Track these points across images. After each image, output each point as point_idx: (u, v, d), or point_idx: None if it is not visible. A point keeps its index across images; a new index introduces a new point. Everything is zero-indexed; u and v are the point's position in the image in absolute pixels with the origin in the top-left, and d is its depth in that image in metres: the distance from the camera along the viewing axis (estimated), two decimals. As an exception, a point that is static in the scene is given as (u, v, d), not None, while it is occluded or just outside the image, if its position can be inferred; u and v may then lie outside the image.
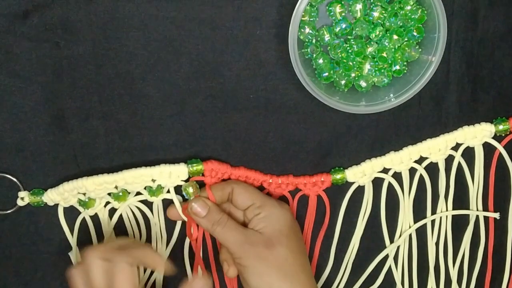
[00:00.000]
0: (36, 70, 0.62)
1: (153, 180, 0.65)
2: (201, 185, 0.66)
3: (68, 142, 0.65)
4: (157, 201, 0.67)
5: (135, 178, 0.64)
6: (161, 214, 0.68)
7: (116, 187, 0.65)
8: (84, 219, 0.67)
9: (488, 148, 0.70)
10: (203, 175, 0.66)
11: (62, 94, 0.63)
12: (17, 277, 0.69)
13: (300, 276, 0.61)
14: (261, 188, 0.67)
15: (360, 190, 0.70)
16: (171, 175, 0.65)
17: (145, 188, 0.66)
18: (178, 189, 0.66)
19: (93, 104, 0.64)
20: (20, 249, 0.68)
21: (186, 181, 0.66)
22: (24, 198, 0.66)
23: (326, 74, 0.64)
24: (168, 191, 0.66)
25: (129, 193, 0.66)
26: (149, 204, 0.67)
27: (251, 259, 0.60)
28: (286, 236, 0.62)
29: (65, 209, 0.67)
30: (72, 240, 0.68)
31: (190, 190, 0.64)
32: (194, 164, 0.65)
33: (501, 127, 0.69)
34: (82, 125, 0.64)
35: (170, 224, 0.68)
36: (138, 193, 0.67)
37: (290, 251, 0.61)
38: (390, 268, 0.72)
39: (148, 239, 0.68)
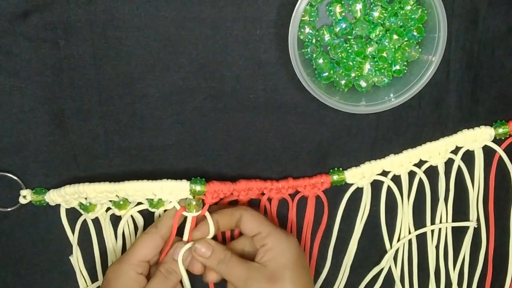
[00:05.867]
0: (36, 70, 0.62)
1: (154, 194, 0.65)
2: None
3: (68, 142, 0.65)
4: (158, 211, 0.67)
5: (136, 191, 0.64)
6: None
7: (117, 195, 0.65)
8: (85, 220, 0.67)
9: (488, 151, 0.70)
10: (204, 194, 0.65)
11: (62, 94, 0.63)
12: (17, 277, 0.69)
13: None
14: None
15: (359, 191, 0.69)
16: (173, 191, 0.64)
17: (146, 199, 0.66)
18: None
19: (93, 104, 0.64)
20: (20, 249, 0.68)
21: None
22: (26, 196, 0.66)
23: (326, 74, 0.64)
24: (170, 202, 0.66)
25: (129, 202, 0.66)
26: (151, 213, 0.67)
27: None
28: (291, 270, 0.61)
29: (66, 209, 0.66)
30: (73, 240, 0.68)
31: (193, 203, 0.64)
32: (198, 184, 0.64)
33: (501, 130, 0.68)
34: (82, 125, 0.64)
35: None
36: (140, 203, 0.66)
37: (294, 285, 0.61)
38: (390, 270, 0.72)
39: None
